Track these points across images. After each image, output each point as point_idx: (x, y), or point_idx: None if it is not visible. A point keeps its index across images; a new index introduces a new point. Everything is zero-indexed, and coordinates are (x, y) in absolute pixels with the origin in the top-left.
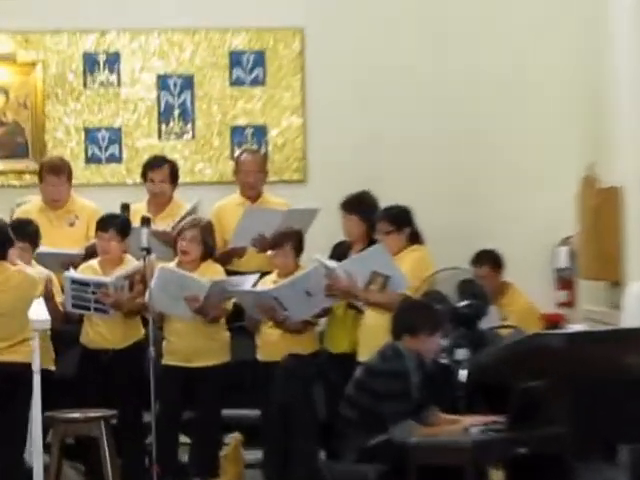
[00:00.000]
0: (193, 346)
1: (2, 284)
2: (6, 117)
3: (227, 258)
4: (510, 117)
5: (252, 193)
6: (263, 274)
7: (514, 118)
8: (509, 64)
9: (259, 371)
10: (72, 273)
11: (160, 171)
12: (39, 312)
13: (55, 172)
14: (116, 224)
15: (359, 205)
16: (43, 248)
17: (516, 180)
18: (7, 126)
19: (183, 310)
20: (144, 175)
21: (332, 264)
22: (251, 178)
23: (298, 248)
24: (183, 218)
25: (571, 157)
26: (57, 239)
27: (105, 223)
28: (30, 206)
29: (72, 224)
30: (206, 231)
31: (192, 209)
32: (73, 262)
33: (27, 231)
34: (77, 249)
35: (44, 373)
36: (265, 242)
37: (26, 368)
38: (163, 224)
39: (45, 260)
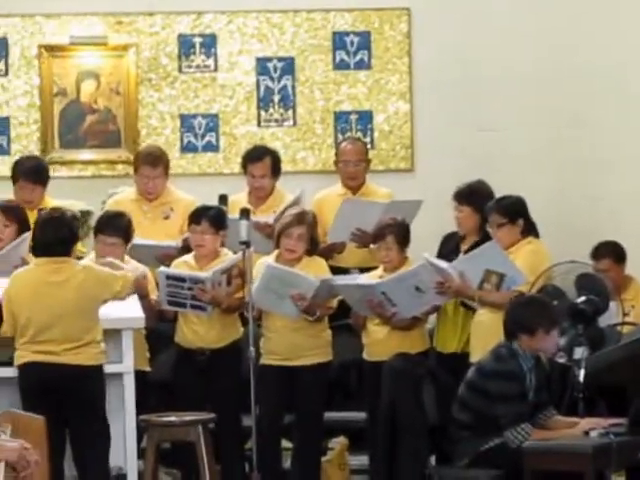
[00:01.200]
0: (293, 344)
1: (65, 283)
2: (97, 104)
3: (327, 253)
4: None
5: (354, 183)
6: (363, 270)
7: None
8: (625, 61)
9: (365, 371)
10: (167, 269)
11: (261, 165)
12: (133, 310)
13: (151, 163)
14: (209, 216)
15: (472, 196)
16: (138, 240)
17: (637, 171)
18: (98, 113)
19: (289, 308)
20: (244, 167)
21: (442, 264)
22: (351, 168)
23: (403, 240)
24: (285, 210)
25: None
26: (151, 232)
27: (198, 215)
28: (123, 197)
29: (167, 217)
30: (312, 227)
31: (295, 200)
32: (169, 255)
33: (118, 225)
34: (174, 242)
35: (138, 374)
36: (366, 237)
37: (92, 371)
38: (264, 216)
39: (140, 253)
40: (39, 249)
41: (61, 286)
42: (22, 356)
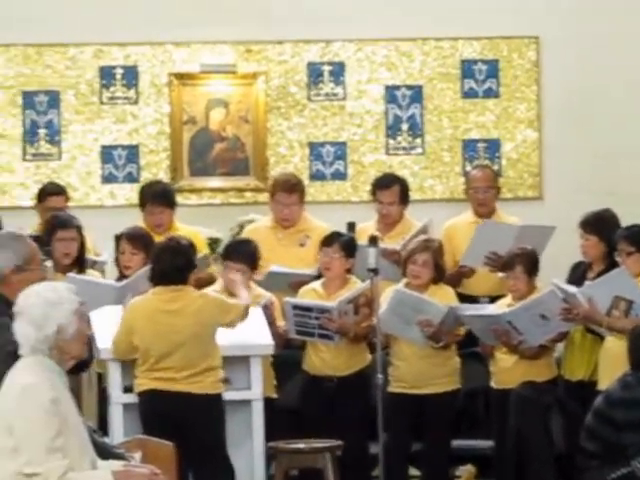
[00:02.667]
0: (422, 372)
1: (181, 310)
2: (226, 132)
3: (456, 279)
4: None
5: (484, 210)
6: (493, 299)
7: None
8: None
9: (492, 399)
10: (293, 299)
11: (389, 192)
12: (261, 337)
13: (287, 190)
14: (341, 241)
15: (598, 224)
16: (275, 267)
17: None
18: (227, 141)
19: (415, 334)
20: (373, 194)
21: (571, 289)
22: (481, 195)
23: (531, 270)
24: (413, 237)
25: None
26: (286, 259)
27: (330, 239)
28: (259, 224)
29: (302, 244)
30: (437, 254)
31: (423, 228)
32: (304, 283)
33: (244, 251)
34: (310, 270)
35: (266, 402)
36: (499, 261)
37: (211, 400)
38: (392, 243)
39: (275, 280)
40: (156, 277)
41: (178, 314)
42: (142, 384)
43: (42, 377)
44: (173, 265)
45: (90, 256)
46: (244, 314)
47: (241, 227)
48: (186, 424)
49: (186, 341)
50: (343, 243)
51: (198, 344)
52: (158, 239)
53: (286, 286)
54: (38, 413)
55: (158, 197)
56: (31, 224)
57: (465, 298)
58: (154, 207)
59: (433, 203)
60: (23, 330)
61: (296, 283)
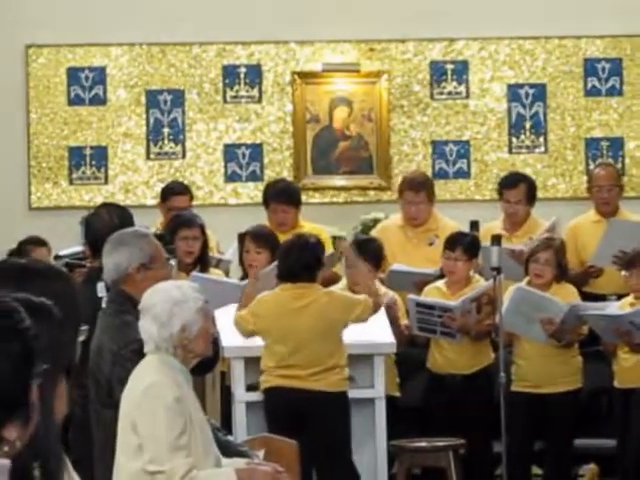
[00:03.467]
0: (544, 371)
1: (308, 307)
2: (350, 130)
3: (583, 278)
4: None
5: (607, 209)
6: (621, 297)
7: None
8: None
9: (615, 398)
10: (417, 296)
11: (516, 191)
12: (384, 335)
13: (413, 189)
14: (464, 243)
15: None
16: (397, 266)
17: None
18: (351, 140)
19: (537, 333)
20: (499, 193)
21: None
22: (605, 193)
23: None
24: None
25: None
26: (415, 258)
27: (452, 242)
28: (389, 223)
29: (431, 243)
30: (560, 252)
31: (550, 227)
32: (427, 282)
33: (368, 250)
34: (432, 269)
35: (389, 400)
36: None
37: (336, 398)
38: (519, 243)
39: (398, 278)
40: (284, 274)
41: (304, 311)
42: (267, 381)
43: (166, 375)
44: (302, 262)
45: (215, 255)
46: (373, 307)
47: (364, 226)
48: (311, 421)
49: (312, 338)
50: (466, 246)
51: (324, 342)
52: (282, 238)
53: (410, 285)
54: (162, 411)
55: (282, 195)
56: (154, 223)
57: (593, 297)
58: (278, 205)
59: (556, 202)
60: (148, 328)
61: (420, 282)
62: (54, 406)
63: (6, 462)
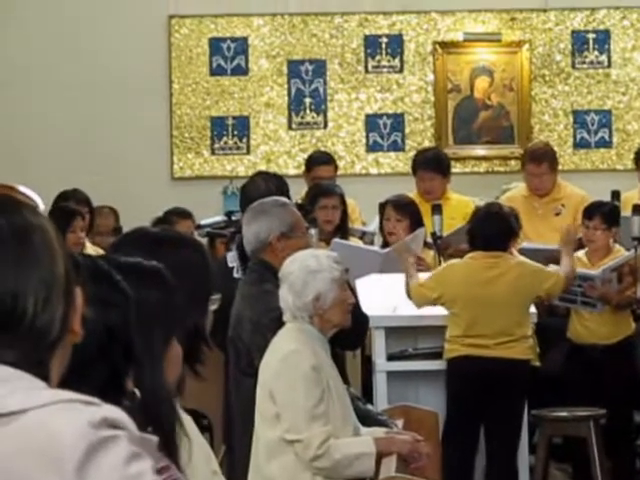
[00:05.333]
0: None
1: (499, 277)
2: (491, 100)
3: None
4: None
5: None
6: None
7: None
8: None
9: None
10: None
11: None
12: None
13: (534, 160)
14: (603, 212)
15: None
16: (526, 244)
17: None
18: (492, 109)
19: None
20: (636, 163)
21: None
22: None
23: None
24: None
25: None
26: (541, 229)
27: (591, 210)
28: (515, 193)
29: (558, 213)
30: None
31: None
32: (557, 257)
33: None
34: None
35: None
36: None
37: (522, 365)
38: None
39: (528, 256)
40: (479, 242)
41: (495, 281)
42: (453, 350)
43: (304, 344)
44: (497, 231)
45: (358, 226)
46: (564, 283)
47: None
48: (497, 389)
49: (502, 308)
50: (605, 214)
51: (512, 312)
52: (425, 207)
53: (542, 260)
54: (300, 380)
55: (430, 164)
56: (297, 192)
57: None
58: (425, 173)
59: None
60: (285, 296)
61: (550, 257)
62: (164, 370)
63: (155, 438)
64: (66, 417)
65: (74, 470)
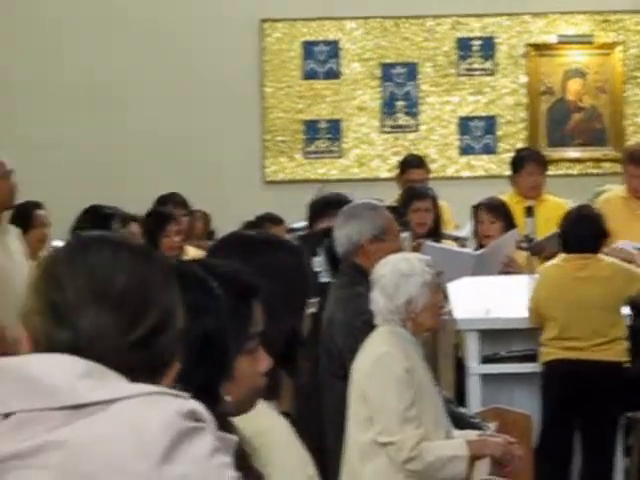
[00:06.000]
0: None
1: (590, 278)
2: (583, 102)
3: None
4: None
5: None
6: None
7: None
8: None
9: None
10: None
11: None
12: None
13: (634, 162)
14: None
15: None
16: (621, 243)
17: None
18: (584, 112)
19: None
20: None
21: None
22: None
23: None
24: None
25: None
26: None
27: None
28: (613, 195)
29: None
30: None
31: None
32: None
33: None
34: None
35: (623, 371)
36: None
37: (617, 367)
38: None
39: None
40: (570, 244)
41: (588, 282)
42: (549, 353)
43: (396, 347)
44: (590, 233)
45: (450, 232)
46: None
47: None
48: (593, 391)
49: (595, 310)
50: None
51: (606, 313)
52: (517, 207)
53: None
54: (392, 383)
55: (538, 157)
56: (390, 195)
57: None
58: (535, 168)
59: None
60: (376, 300)
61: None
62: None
63: (235, 438)
64: (156, 406)
65: (161, 456)
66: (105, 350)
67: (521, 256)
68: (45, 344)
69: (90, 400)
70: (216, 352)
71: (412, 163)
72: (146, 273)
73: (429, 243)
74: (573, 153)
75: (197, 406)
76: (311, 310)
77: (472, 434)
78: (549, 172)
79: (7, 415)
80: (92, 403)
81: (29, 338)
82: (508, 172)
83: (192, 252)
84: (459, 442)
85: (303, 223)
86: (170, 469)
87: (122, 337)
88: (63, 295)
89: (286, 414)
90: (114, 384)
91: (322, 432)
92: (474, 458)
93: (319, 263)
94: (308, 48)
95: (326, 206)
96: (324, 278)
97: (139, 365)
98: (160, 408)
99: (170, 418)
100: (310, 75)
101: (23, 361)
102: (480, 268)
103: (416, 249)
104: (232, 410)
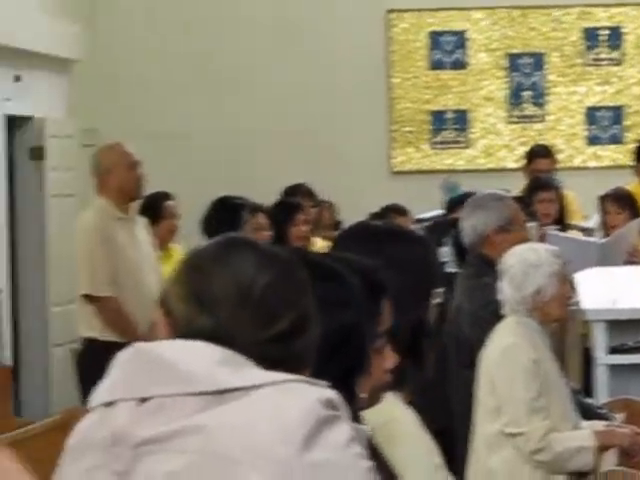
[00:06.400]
0: None
1: None
2: None
3: None
4: None
5: None
6: None
7: None
8: None
9: None
10: None
11: None
12: None
13: None
14: None
15: None
16: None
17: None
18: None
19: None
20: None
21: None
22: None
23: None
24: None
25: None
26: None
27: None
28: None
29: None
30: None
31: None
32: None
33: None
34: None
35: None
36: None
37: None
38: None
39: None
40: None
41: None
42: None
43: (523, 337)
44: None
45: (577, 222)
46: None
47: None
48: None
49: None
50: None
51: None
52: None
53: None
54: (519, 373)
55: None
56: (517, 186)
57: None
58: None
59: None
60: (504, 290)
61: None
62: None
63: (368, 429)
64: (295, 394)
65: (301, 442)
66: (242, 342)
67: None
68: (185, 330)
69: (229, 386)
70: (353, 347)
71: (539, 153)
72: (285, 278)
73: (554, 233)
74: None
75: (334, 395)
76: (436, 300)
77: (599, 425)
78: None
79: (144, 400)
80: (231, 389)
81: (167, 323)
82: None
83: (319, 243)
84: (587, 433)
85: (432, 213)
86: (310, 456)
87: (259, 333)
88: (209, 287)
89: (411, 404)
90: (251, 372)
91: (447, 422)
92: (601, 449)
93: (446, 253)
94: (435, 38)
95: (465, 196)
96: (451, 268)
97: (274, 359)
98: (300, 395)
99: (310, 405)
100: (437, 65)
101: (159, 346)
102: (605, 257)
103: (543, 239)
104: (361, 405)
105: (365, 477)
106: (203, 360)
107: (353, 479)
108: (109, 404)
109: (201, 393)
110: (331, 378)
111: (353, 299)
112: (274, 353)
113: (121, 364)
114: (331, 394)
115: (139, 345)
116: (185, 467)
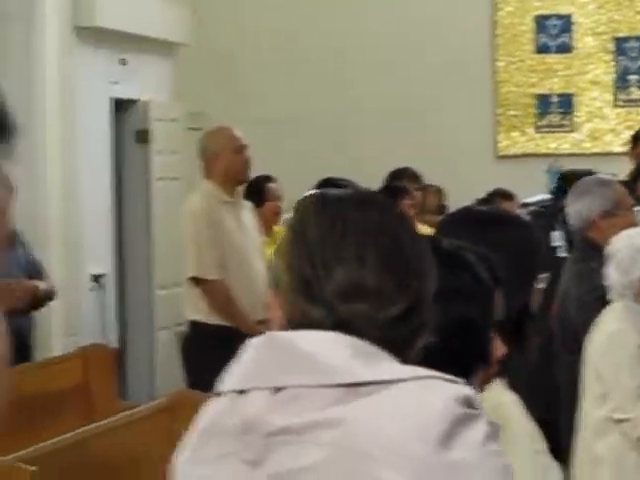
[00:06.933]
0: None
1: None
2: None
3: None
4: None
5: None
6: None
7: None
8: None
9: None
10: None
11: None
12: None
13: None
14: None
15: None
16: None
17: None
18: None
19: None
20: None
21: None
22: None
23: None
24: None
25: None
26: None
27: None
28: None
29: None
30: None
31: None
32: None
33: None
34: None
35: None
36: None
37: None
38: None
39: None
40: None
41: None
42: None
43: (629, 323)
44: None
45: None
46: None
47: None
48: None
49: None
50: None
51: None
52: None
53: None
54: (624, 360)
55: None
56: (624, 170)
57: None
58: None
59: None
60: (611, 275)
61: None
62: None
63: (499, 424)
64: (435, 391)
65: (438, 439)
66: (364, 326)
67: None
68: (299, 320)
69: (368, 379)
70: (476, 338)
71: None
72: (409, 239)
73: None
74: None
75: (472, 393)
76: (540, 285)
77: None
78: None
79: (278, 389)
80: (370, 382)
81: (281, 310)
82: None
83: (422, 230)
84: None
85: (537, 197)
86: (447, 454)
87: (383, 312)
88: (315, 273)
89: (515, 389)
90: (387, 365)
91: (551, 406)
92: None
93: (557, 238)
94: (541, 22)
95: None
96: (562, 253)
97: (396, 341)
98: (438, 393)
99: (448, 403)
100: (542, 49)
101: (292, 336)
102: None
103: None
104: None
105: (503, 475)
106: (337, 352)
107: (491, 478)
108: (241, 391)
109: (338, 385)
110: (453, 370)
111: (481, 292)
112: (397, 334)
113: (254, 351)
114: (469, 392)
115: (273, 333)
116: (322, 460)
